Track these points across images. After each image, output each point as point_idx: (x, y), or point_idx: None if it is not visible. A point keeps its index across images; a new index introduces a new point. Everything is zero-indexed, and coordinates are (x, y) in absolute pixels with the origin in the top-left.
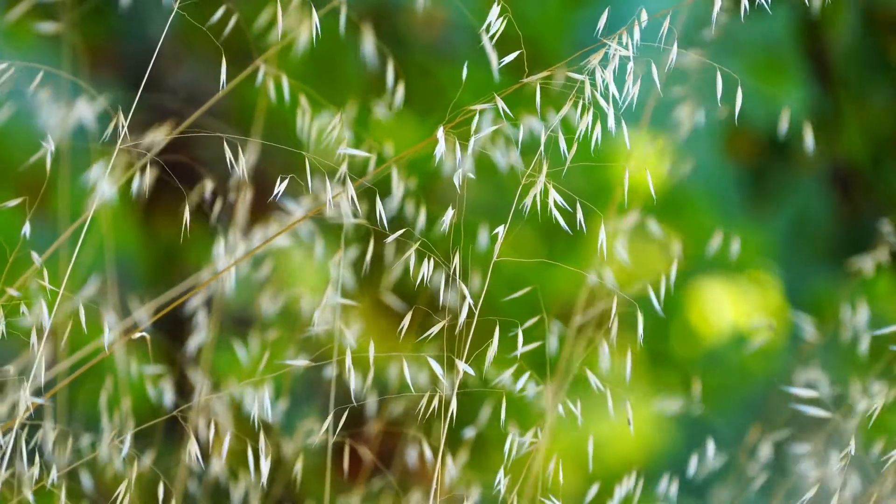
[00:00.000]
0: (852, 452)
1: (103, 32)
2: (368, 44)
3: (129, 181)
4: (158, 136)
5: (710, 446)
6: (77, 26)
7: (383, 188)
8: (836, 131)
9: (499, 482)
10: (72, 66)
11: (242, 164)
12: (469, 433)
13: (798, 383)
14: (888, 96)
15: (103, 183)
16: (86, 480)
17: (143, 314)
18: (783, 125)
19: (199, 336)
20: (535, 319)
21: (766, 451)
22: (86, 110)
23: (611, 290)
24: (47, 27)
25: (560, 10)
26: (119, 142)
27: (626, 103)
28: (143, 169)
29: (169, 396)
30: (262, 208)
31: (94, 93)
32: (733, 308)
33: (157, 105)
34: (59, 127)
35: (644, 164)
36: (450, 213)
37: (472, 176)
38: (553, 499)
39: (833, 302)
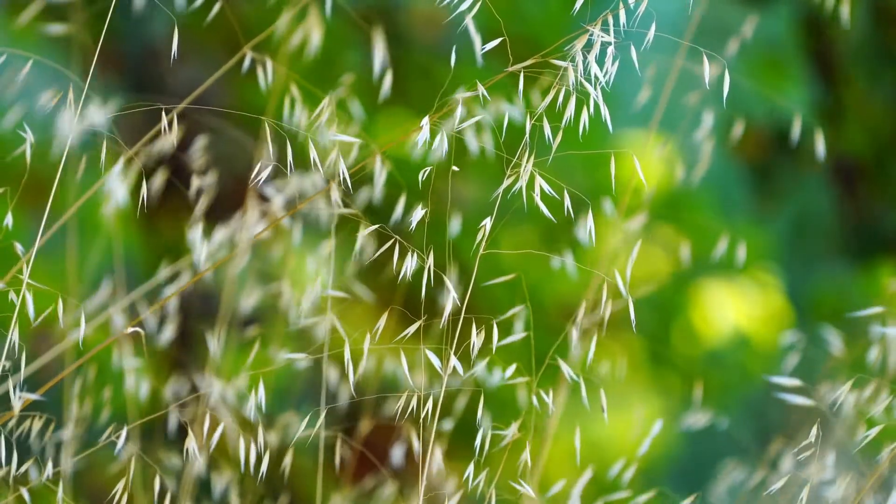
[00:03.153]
0: (812, 440)
1: (108, 34)
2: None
3: (138, 184)
4: (166, 143)
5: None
6: (87, 28)
7: (374, 181)
8: (839, 128)
9: (467, 475)
10: (82, 69)
11: (174, 135)
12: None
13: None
14: (892, 92)
15: (116, 187)
16: (81, 477)
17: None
18: (795, 126)
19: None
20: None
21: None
22: (97, 114)
23: (612, 289)
24: (57, 29)
25: (561, 11)
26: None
27: (605, 83)
28: (149, 172)
29: (167, 392)
30: (241, 199)
31: (104, 96)
32: (735, 308)
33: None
34: (71, 129)
35: (642, 159)
36: (419, 210)
37: (455, 168)
38: (524, 484)
39: (836, 299)
